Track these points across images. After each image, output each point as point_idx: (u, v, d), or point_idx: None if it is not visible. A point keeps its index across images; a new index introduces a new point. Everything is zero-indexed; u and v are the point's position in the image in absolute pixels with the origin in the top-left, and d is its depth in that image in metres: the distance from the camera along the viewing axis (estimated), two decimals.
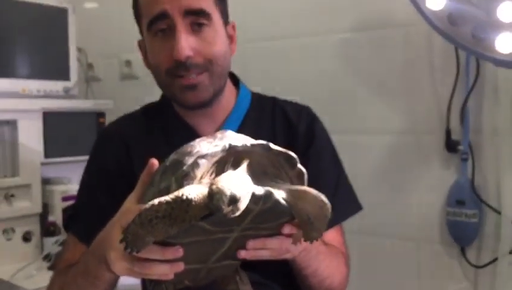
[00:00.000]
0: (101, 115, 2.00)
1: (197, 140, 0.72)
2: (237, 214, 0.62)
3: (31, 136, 1.79)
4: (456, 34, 1.21)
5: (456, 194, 1.41)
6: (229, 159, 0.70)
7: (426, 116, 1.48)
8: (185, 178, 0.67)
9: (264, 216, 0.70)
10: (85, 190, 1.06)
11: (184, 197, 0.63)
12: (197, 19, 0.94)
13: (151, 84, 2.11)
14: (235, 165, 0.70)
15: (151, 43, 0.98)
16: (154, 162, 0.76)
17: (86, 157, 1.98)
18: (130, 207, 0.75)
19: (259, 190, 0.67)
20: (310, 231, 0.74)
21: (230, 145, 0.69)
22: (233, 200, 0.61)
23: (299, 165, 0.74)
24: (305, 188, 0.73)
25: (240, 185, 0.63)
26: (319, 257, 0.91)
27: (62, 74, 1.95)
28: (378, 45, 1.55)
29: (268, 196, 0.67)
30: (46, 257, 1.76)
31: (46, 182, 1.89)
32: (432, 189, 1.47)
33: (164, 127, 1.04)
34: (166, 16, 0.93)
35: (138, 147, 1.02)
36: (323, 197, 0.72)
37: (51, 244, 1.77)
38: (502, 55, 1.16)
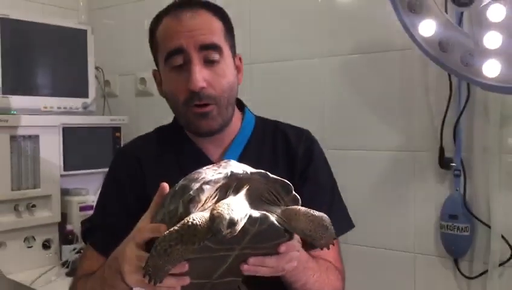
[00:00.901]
0: (116, 129, 2.11)
1: (204, 168, 0.81)
2: (234, 234, 0.71)
3: (51, 150, 1.90)
4: (446, 60, 1.29)
5: (449, 208, 1.48)
6: (231, 185, 0.79)
7: (421, 135, 1.55)
8: (191, 201, 0.76)
9: (261, 237, 0.78)
10: (102, 204, 1.14)
11: (190, 223, 0.72)
12: (210, 53, 1.03)
13: (165, 101, 2.23)
14: (236, 191, 0.78)
15: (168, 75, 1.07)
16: (165, 185, 0.84)
17: (103, 170, 2.11)
18: (144, 226, 0.83)
19: (256, 213, 0.75)
20: (316, 241, 0.82)
21: (232, 172, 0.78)
22: (232, 224, 0.70)
23: (294, 192, 0.82)
24: (296, 207, 0.81)
25: (237, 209, 0.72)
26: (307, 272, 0.97)
27: (81, 91, 2.06)
28: (377, 67, 1.62)
29: (264, 218, 0.76)
30: (65, 264, 1.86)
31: (65, 193, 2.00)
32: (426, 203, 1.54)
33: (175, 149, 1.12)
34: (182, 50, 1.02)
35: (151, 166, 1.10)
36: (312, 211, 0.80)
37: (69, 252, 1.88)
38: (488, 80, 1.23)
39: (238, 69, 1.12)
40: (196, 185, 0.77)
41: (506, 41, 1.18)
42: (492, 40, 1.20)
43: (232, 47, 1.11)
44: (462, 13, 1.38)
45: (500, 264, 1.41)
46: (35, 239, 1.89)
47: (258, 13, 1.86)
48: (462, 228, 1.46)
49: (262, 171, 0.80)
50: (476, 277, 1.45)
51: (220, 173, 0.78)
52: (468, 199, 1.46)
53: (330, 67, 1.72)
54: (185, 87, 1.03)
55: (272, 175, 0.80)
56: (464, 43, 1.26)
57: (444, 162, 1.50)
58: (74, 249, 1.87)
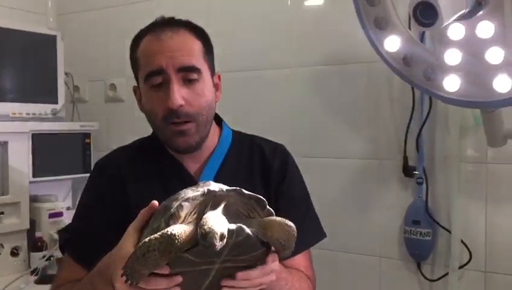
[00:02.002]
0: (86, 136, 2.10)
1: (184, 189, 0.86)
2: (222, 246, 0.76)
3: (20, 157, 1.88)
4: (409, 74, 1.35)
5: (412, 214, 1.56)
6: (209, 202, 0.84)
7: (386, 144, 1.62)
8: (171, 218, 0.81)
9: (239, 249, 0.83)
10: (81, 215, 1.16)
11: (169, 233, 0.78)
12: (188, 74, 1.07)
13: (136, 106, 2.24)
14: (214, 207, 0.83)
15: (148, 93, 1.10)
16: (155, 203, 0.88)
17: (72, 176, 2.11)
18: (127, 244, 0.86)
19: (232, 226, 0.80)
20: (286, 250, 0.88)
21: (208, 190, 0.83)
22: (222, 236, 0.76)
23: (268, 207, 0.87)
24: (271, 218, 0.87)
25: (222, 222, 0.78)
26: (280, 283, 1.00)
27: (50, 97, 2.05)
28: (344, 78, 1.68)
29: (240, 230, 0.81)
30: (34, 271, 1.85)
31: (33, 199, 1.98)
32: (391, 209, 1.61)
33: (155, 161, 1.15)
34: (162, 71, 1.06)
35: (132, 178, 1.12)
36: (287, 221, 0.86)
37: (38, 259, 1.86)
38: (449, 94, 1.29)
39: (216, 86, 1.15)
40: (176, 203, 0.82)
41: (465, 58, 1.24)
42: (452, 57, 1.26)
43: (211, 66, 1.14)
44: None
45: (460, 267, 1.49)
46: (3, 246, 1.86)
47: (229, 24, 1.89)
48: (424, 233, 1.53)
49: (238, 188, 0.85)
50: (438, 279, 1.54)
51: (198, 191, 0.84)
52: (430, 205, 1.54)
53: (300, 77, 1.77)
54: (163, 105, 1.06)
55: (246, 192, 0.85)
56: (426, 58, 1.33)
57: (407, 171, 1.57)
58: (44, 257, 1.86)
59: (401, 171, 1.58)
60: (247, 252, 0.85)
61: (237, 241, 0.81)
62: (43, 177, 1.97)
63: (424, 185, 1.55)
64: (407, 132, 1.56)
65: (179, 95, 1.05)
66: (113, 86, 2.20)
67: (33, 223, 1.95)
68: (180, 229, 0.79)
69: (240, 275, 0.86)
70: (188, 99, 1.06)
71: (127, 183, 1.12)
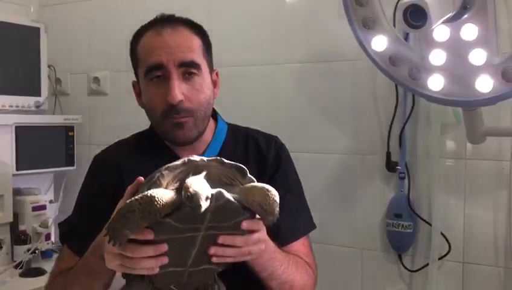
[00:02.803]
0: (70, 128, 2.10)
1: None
2: (207, 206, 0.79)
3: (3, 150, 1.87)
4: (395, 73, 1.40)
5: (394, 207, 1.62)
6: (190, 171, 0.86)
7: (370, 140, 1.67)
8: (152, 186, 0.84)
9: (221, 215, 0.85)
10: (80, 208, 1.17)
11: (148, 194, 0.80)
12: (188, 69, 1.09)
13: (119, 100, 2.25)
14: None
15: (147, 88, 1.12)
16: (141, 178, 0.91)
17: (55, 169, 2.10)
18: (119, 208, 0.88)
19: (212, 191, 0.82)
20: (266, 216, 0.88)
21: (189, 159, 0.86)
22: (207, 198, 0.79)
23: (249, 175, 0.89)
24: (252, 183, 0.89)
25: (204, 185, 0.80)
26: (273, 263, 1.03)
27: (34, 89, 2.04)
28: (329, 75, 1.72)
29: (219, 195, 0.82)
30: (19, 265, 1.84)
31: (17, 192, 1.97)
32: (374, 203, 1.67)
33: (154, 156, 1.17)
34: (162, 66, 1.08)
35: (130, 170, 1.12)
36: (266, 186, 0.87)
37: (23, 252, 1.86)
38: (432, 93, 1.35)
39: (214, 83, 1.18)
40: (158, 173, 0.85)
41: (449, 59, 1.30)
42: (437, 57, 1.31)
43: (210, 63, 1.17)
44: None
45: (440, 258, 1.55)
46: None
47: (213, 21, 1.91)
48: (405, 226, 1.59)
49: (218, 157, 0.87)
50: (418, 270, 1.60)
51: (178, 161, 0.86)
52: (412, 199, 1.60)
53: (285, 74, 1.81)
54: (163, 100, 1.09)
55: (227, 161, 0.88)
56: (411, 58, 1.37)
57: (390, 166, 1.63)
58: (28, 250, 1.86)
59: (384, 166, 1.63)
60: (230, 218, 0.87)
61: (218, 205, 0.83)
62: (27, 171, 1.95)
63: (406, 180, 1.60)
64: (390, 128, 1.62)
65: (179, 90, 1.08)
66: (96, 79, 2.20)
67: (16, 216, 1.94)
68: (160, 192, 0.81)
69: (223, 238, 0.87)
70: (187, 95, 1.09)
71: (125, 176, 1.13)
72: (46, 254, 1.94)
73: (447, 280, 1.56)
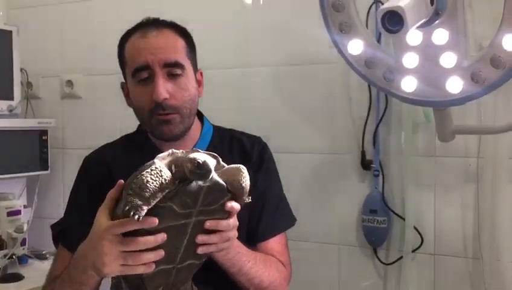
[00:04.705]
0: (43, 133, 2.08)
1: None
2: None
3: None
4: (370, 75, 1.47)
5: (369, 204, 1.68)
6: (176, 162, 0.91)
7: (345, 139, 1.73)
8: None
9: (211, 195, 0.91)
10: (73, 208, 1.19)
11: (156, 167, 0.87)
12: (172, 69, 1.14)
13: (94, 103, 2.24)
14: None
15: (135, 87, 1.16)
16: (121, 181, 0.93)
17: (29, 174, 2.08)
18: (102, 221, 0.92)
19: None
20: (243, 194, 0.96)
21: (172, 151, 0.93)
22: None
23: (222, 162, 0.96)
24: (227, 166, 0.96)
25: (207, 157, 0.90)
26: (241, 258, 1.09)
27: (6, 93, 2.01)
28: (305, 78, 1.78)
29: (210, 170, 0.89)
30: None
31: None
32: (350, 200, 1.73)
33: (142, 156, 1.19)
34: (148, 67, 1.13)
35: (119, 169, 1.16)
36: (239, 165, 0.96)
37: (0, 258, 1.84)
38: (406, 94, 1.41)
39: (199, 82, 1.23)
40: (148, 162, 0.90)
41: (422, 62, 1.37)
42: (410, 60, 1.37)
43: (194, 63, 1.21)
44: (380, 33, 1.57)
45: (413, 251, 1.63)
46: None
47: (190, 23, 1.93)
48: (380, 221, 1.66)
49: (194, 148, 0.95)
50: (393, 263, 1.67)
51: (165, 153, 0.93)
52: (386, 195, 1.67)
53: (260, 76, 1.85)
54: (150, 99, 1.13)
55: (202, 150, 0.93)
56: (385, 61, 1.44)
57: (364, 164, 1.69)
58: (5, 256, 1.84)
59: (359, 165, 1.70)
60: (217, 200, 0.93)
61: (210, 185, 0.90)
62: (1, 175, 1.93)
63: (380, 177, 1.67)
64: (364, 128, 1.68)
65: (164, 88, 1.12)
66: (69, 83, 2.18)
67: None
68: (163, 166, 0.88)
69: (210, 223, 0.93)
70: (172, 93, 1.14)
71: (114, 175, 1.16)
72: (22, 260, 1.92)
73: (420, 271, 1.63)
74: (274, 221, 1.23)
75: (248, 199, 0.96)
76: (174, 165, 0.90)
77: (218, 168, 0.95)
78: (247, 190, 0.95)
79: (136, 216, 0.84)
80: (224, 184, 0.93)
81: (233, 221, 0.97)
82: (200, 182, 0.89)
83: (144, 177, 0.85)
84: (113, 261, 0.90)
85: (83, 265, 0.94)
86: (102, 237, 0.91)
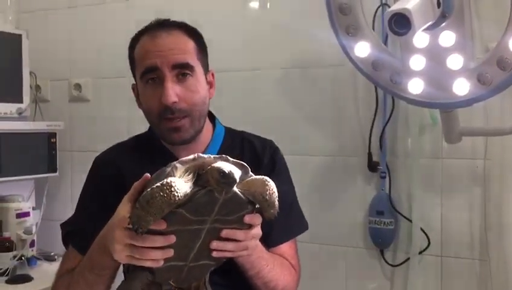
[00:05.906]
0: (52, 135, 2.09)
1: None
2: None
3: None
4: (377, 77, 1.47)
5: (376, 205, 1.69)
6: (199, 167, 0.91)
7: (352, 142, 1.74)
8: (166, 177, 0.88)
9: (228, 208, 0.91)
10: (83, 208, 1.20)
11: (168, 181, 0.85)
12: (182, 71, 1.13)
13: (102, 106, 2.25)
14: None
15: (144, 89, 1.16)
16: (147, 175, 0.94)
17: (38, 176, 2.09)
18: (120, 209, 0.93)
19: None
20: (267, 209, 0.93)
21: (198, 155, 0.92)
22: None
23: (251, 172, 0.95)
24: (252, 177, 0.95)
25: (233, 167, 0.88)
26: (261, 261, 1.09)
27: (15, 96, 2.03)
28: (312, 80, 1.79)
29: (235, 181, 0.87)
30: (5, 272, 1.83)
31: (0, 199, 1.96)
32: (356, 202, 1.73)
33: (152, 155, 1.21)
34: (156, 68, 1.12)
35: (130, 170, 1.16)
36: (266, 177, 0.94)
37: (9, 260, 1.85)
38: (412, 96, 1.42)
39: (210, 84, 1.22)
40: (169, 167, 0.90)
41: (428, 64, 1.38)
42: (417, 62, 1.37)
43: (205, 64, 1.21)
44: (387, 35, 1.58)
45: (420, 253, 1.63)
46: None
47: (197, 25, 1.95)
48: (387, 223, 1.67)
49: (224, 155, 0.93)
50: (399, 264, 1.67)
51: (188, 157, 0.92)
52: (393, 197, 1.68)
53: (268, 79, 1.86)
54: (158, 101, 1.13)
55: (231, 158, 0.93)
56: (392, 63, 1.45)
57: (371, 166, 1.70)
58: (15, 257, 1.85)
59: (366, 167, 1.71)
60: (235, 211, 0.92)
61: (227, 197, 0.89)
62: (9, 177, 1.94)
63: (387, 179, 1.68)
64: (371, 130, 1.69)
65: (173, 91, 1.11)
66: (77, 86, 2.20)
67: (0, 223, 1.93)
68: (177, 180, 0.86)
69: (226, 232, 0.92)
70: (181, 96, 1.13)
71: (124, 175, 1.16)
72: (31, 261, 1.94)
73: (427, 273, 1.64)
74: (288, 226, 1.23)
75: (276, 213, 0.94)
76: (199, 170, 0.89)
77: (244, 177, 0.93)
78: (274, 203, 0.92)
79: (137, 230, 0.85)
80: (244, 197, 0.91)
81: (255, 231, 0.97)
82: (217, 194, 0.88)
83: (153, 192, 0.84)
84: (121, 250, 0.91)
85: (103, 246, 0.96)
86: (116, 225, 0.92)
